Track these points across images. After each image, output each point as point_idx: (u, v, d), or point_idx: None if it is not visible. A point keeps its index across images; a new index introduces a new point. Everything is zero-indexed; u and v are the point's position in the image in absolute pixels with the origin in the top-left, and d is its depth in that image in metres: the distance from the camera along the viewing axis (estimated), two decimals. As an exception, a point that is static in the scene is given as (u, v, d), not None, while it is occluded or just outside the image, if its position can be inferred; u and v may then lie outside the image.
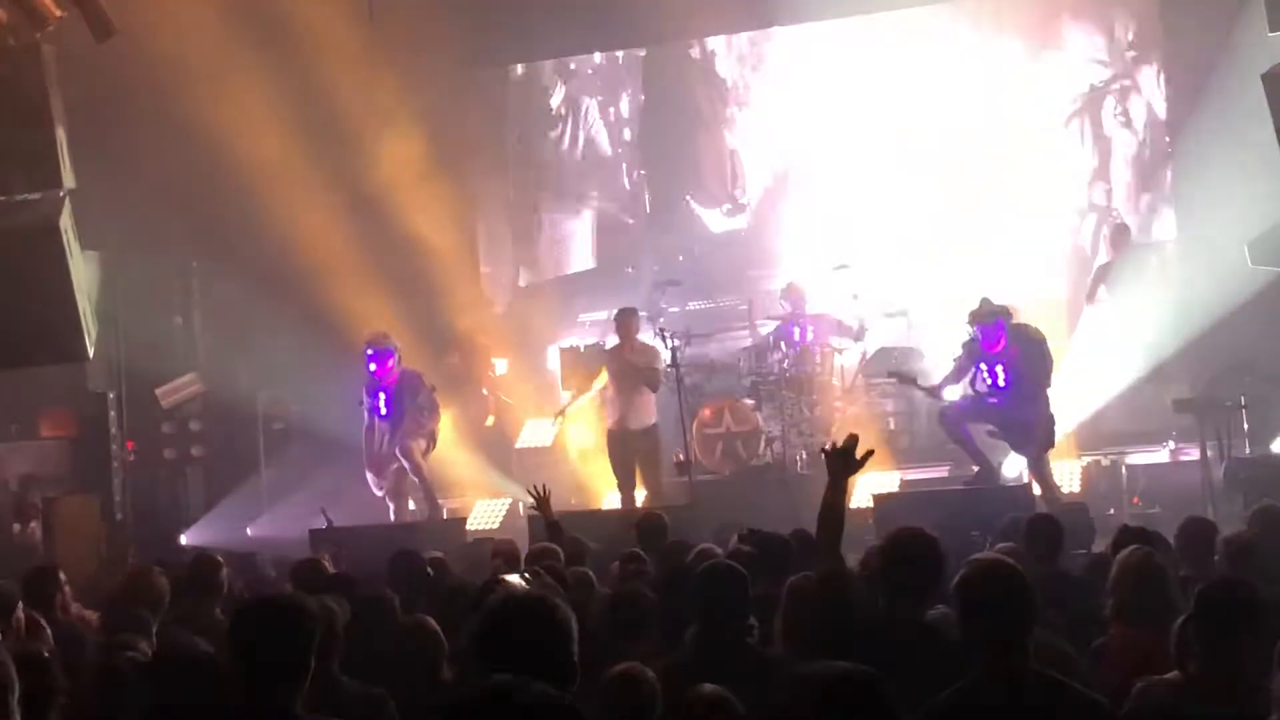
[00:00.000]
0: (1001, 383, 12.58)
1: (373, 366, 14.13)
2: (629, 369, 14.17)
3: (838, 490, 5.64)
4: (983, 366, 12.68)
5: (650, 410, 14.27)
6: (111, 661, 5.78)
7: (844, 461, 5.62)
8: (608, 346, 15.24)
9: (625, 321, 14.45)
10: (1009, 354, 12.57)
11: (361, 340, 14.35)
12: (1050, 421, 12.64)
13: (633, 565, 8.30)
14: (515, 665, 3.46)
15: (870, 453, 5.76)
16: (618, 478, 14.39)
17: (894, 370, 14.11)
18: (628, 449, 14.24)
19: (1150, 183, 16.83)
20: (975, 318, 12.73)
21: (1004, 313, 12.74)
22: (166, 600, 7.78)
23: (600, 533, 10.72)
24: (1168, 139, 16.75)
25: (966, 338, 12.92)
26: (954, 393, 13.11)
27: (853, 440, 5.69)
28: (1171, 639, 5.04)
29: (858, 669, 3.93)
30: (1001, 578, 4.58)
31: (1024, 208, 16.84)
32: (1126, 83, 17.05)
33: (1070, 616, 6.49)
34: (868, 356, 15.34)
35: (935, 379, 13.46)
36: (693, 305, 17.29)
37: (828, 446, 5.67)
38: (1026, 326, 12.87)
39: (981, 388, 12.74)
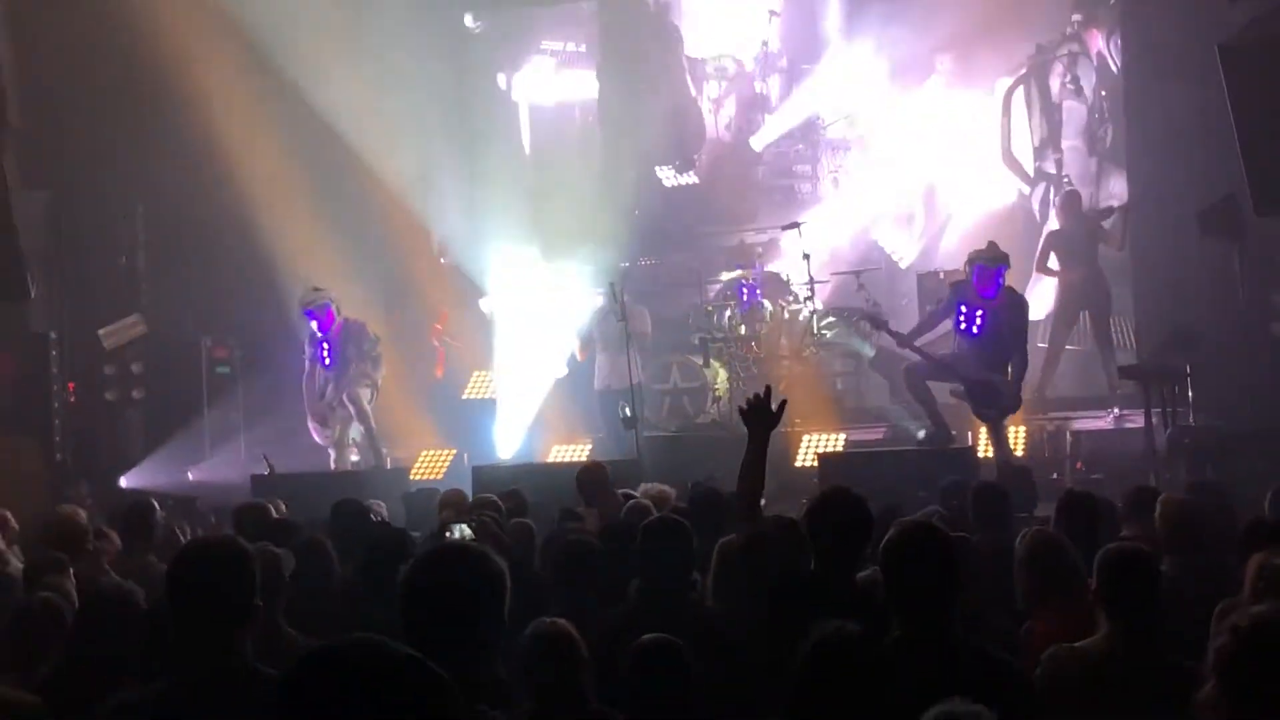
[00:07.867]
0: (976, 330, 12.01)
1: (314, 324, 14.01)
2: (622, 332, 13.73)
3: (758, 447, 5.73)
4: (963, 309, 12.07)
5: (633, 370, 13.77)
6: (32, 604, 5.65)
7: (760, 416, 5.71)
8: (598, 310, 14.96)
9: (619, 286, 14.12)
10: (996, 305, 12.00)
11: (297, 299, 14.21)
12: (1018, 387, 12.16)
13: (570, 522, 8.27)
14: (444, 615, 3.39)
15: (784, 403, 5.85)
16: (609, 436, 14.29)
17: (868, 313, 13.21)
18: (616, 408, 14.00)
19: (1100, 148, 16.76)
20: (979, 257, 12.11)
21: (1006, 262, 12.16)
22: (88, 541, 7.67)
23: (547, 486, 10.65)
24: (1110, 103, 16.67)
25: (955, 281, 12.42)
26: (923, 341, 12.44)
27: (767, 393, 5.77)
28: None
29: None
30: (924, 540, 4.49)
31: (974, 175, 16.83)
32: (1075, 48, 16.94)
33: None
34: (819, 314, 15.01)
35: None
36: (643, 261, 17.22)
37: (742, 405, 5.73)
38: (1014, 289, 12.37)
39: (956, 329, 12.16)
